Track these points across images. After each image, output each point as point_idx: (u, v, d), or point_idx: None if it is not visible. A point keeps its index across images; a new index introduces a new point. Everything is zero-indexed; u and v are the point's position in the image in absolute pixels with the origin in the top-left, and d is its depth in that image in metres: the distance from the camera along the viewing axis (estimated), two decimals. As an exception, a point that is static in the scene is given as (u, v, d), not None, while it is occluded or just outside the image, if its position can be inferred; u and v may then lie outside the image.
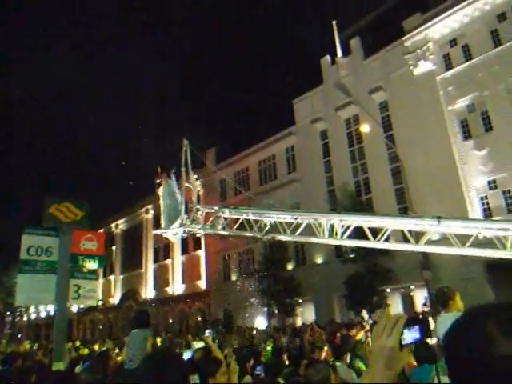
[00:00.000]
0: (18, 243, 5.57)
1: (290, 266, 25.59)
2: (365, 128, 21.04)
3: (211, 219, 9.51)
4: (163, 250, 37.88)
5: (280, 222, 9.08)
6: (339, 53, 25.35)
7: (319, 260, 24.45)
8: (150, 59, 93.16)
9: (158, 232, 9.61)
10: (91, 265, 5.84)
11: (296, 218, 8.96)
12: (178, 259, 36.04)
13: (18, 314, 51.11)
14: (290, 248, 25.41)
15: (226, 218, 9.49)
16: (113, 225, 44.98)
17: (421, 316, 12.52)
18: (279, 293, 23.44)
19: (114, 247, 44.36)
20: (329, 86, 25.57)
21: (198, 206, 9.55)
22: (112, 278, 44.62)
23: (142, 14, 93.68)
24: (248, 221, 9.47)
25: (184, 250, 35.50)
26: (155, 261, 39.10)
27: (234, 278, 30.63)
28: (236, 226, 9.66)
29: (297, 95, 27.75)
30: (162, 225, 9.32)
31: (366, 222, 8.04)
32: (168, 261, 36.99)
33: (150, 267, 39.52)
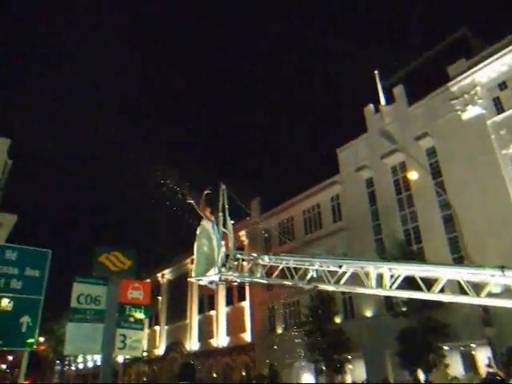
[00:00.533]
0: (69, 292, 5.71)
1: (337, 320, 24.48)
2: (412, 175, 20.51)
3: (249, 266, 9.05)
4: (208, 301, 37.61)
5: (323, 271, 8.62)
6: (382, 101, 25.47)
7: (368, 313, 23.25)
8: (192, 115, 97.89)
9: (192, 279, 8.93)
10: (137, 314, 5.83)
11: (340, 266, 8.44)
12: (222, 310, 35.55)
13: (66, 363, 51.70)
14: (337, 300, 24.44)
15: (264, 266, 8.82)
16: (159, 275, 45.50)
17: (499, 378, 11.38)
18: (327, 348, 22.28)
19: (159, 297, 44.60)
20: (373, 133, 25.49)
21: (236, 253, 9.03)
22: (157, 328, 44.53)
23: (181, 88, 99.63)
24: (289, 269, 8.99)
25: (229, 301, 35.06)
26: (200, 312, 38.78)
27: (279, 330, 29.65)
28: (276, 274, 8.91)
29: (340, 144, 27.83)
30: (195, 271, 8.70)
31: (418, 271, 7.55)
32: (212, 312, 36.57)
33: (194, 318, 39.17)
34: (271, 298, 30.19)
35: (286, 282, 8.97)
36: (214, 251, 8.78)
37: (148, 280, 37.90)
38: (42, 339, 43.65)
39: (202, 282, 8.89)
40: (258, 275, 8.71)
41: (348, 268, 8.32)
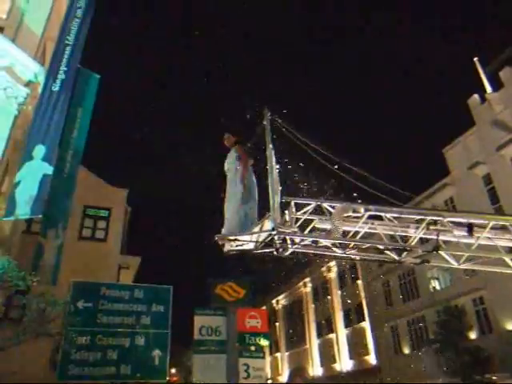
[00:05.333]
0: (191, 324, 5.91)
1: (472, 335, 22.02)
2: (539, 163, 18.07)
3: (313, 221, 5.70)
4: (326, 324, 36.74)
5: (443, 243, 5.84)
6: (488, 89, 23.17)
7: (510, 326, 20.52)
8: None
9: (225, 239, 5.67)
10: (257, 342, 5.80)
11: (470, 229, 5.46)
12: (341, 333, 34.38)
13: (197, 392, 54.11)
14: (469, 314, 22.09)
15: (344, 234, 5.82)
16: (274, 301, 45.82)
17: None
18: (465, 368, 20.01)
19: (277, 323, 44.75)
20: (483, 125, 23.21)
21: (297, 201, 5.79)
22: (278, 355, 44.53)
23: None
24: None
25: (347, 323, 33.87)
26: (319, 335, 37.97)
27: (406, 350, 27.64)
28: (360, 236, 5.76)
29: (445, 143, 25.83)
30: (228, 228, 5.68)
31: None
32: (332, 335, 35.54)
33: (314, 342, 38.42)
34: (393, 316, 28.47)
35: (380, 247, 5.79)
36: (254, 196, 5.81)
37: (264, 308, 38.43)
38: (173, 370, 46.36)
39: (233, 246, 5.66)
40: (338, 234, 5.54)
41: (484, 233, 5.53)
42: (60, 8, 11.91)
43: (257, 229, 5.59)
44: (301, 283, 41.00)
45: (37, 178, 8.22)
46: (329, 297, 36.60)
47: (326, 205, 5.88)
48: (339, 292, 35.56)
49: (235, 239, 5.49)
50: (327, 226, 5.87)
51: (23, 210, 7.91)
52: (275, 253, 5.74)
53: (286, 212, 5.82)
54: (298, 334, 40.98)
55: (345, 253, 5.78)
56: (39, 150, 8.65)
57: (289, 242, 5.69)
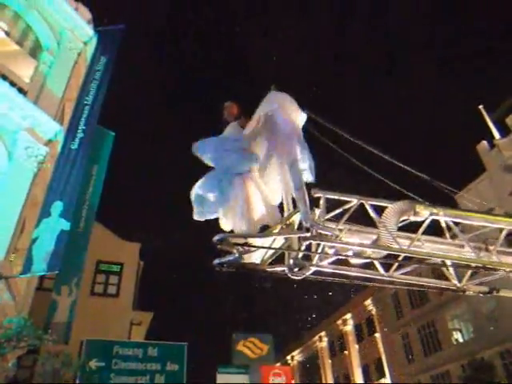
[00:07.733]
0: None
1: (502, 392, 20.63)
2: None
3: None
4: (343, 380, 34.88)
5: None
6: (496, 135, 23.38)
7: (543, 380, 19.29)
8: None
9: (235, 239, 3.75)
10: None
11: None
12: (362, 390, 32.54)
13: None
14: (497, 368, 20.86)
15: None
16: (288, 357, 43.95)
17: None
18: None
19: (292, 381, 42.67)
20: (494, 171, 23.17)
21: (332, 196, 4.16)
22: (295, 416, 42.05)
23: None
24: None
25: (366, 380, 32.14)
26: (338, 394, 35.97)
27: (432, 409, 25.91)
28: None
29: (456, 190, 25.69)
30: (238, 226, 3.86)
31: None
32: (352, 393, 33.64)
33: (334, 402, 36.30)
34: (415, 370, 27.03)
35: (448, 262, 4.28)
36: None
37: (278, 364, 36.69)
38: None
39: (234, 256, 3.69)
40: (394, 243, 3.83)
41: None
42: (79, 71, 12.56)
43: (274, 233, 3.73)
44: (316, 337, 39.48)
45: (54, 234, 8.26)
46: (346, 352, 35.03)
47: (369, 204, 4.10)
48: (357, 346, 34.07)
49: (245, 243, 3.65)
50: (359, 240, 4.09)
51: (40, 267, 7.88)
52: (287, 272, 3.80)
53: (316, 212, 3.93)
54: (315, 393, 38.90)
55: (392, 276, 4.02)
56: (57, 207, 8.77)
57: (316, 254, 3.78)
